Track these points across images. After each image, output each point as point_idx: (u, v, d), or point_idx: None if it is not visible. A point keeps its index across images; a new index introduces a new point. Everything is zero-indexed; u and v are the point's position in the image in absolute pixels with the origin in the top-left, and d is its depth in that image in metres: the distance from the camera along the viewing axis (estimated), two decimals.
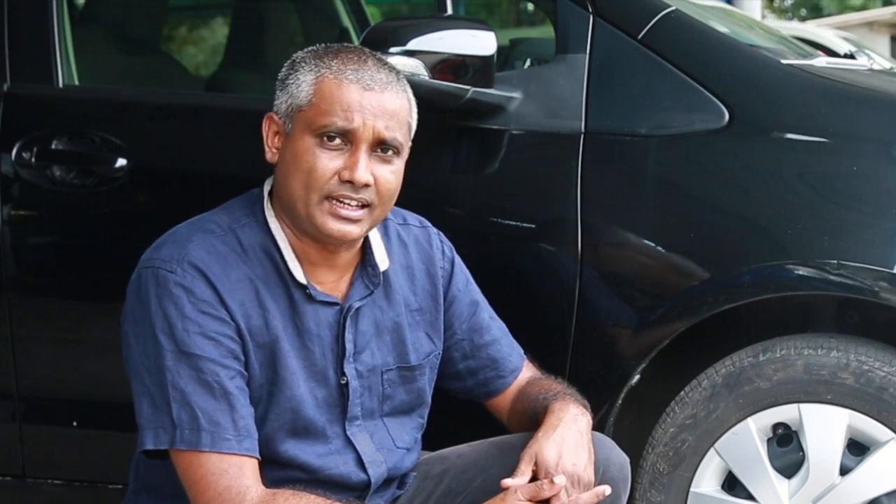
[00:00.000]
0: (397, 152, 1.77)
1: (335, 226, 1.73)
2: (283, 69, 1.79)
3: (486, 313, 2.02)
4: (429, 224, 2.00)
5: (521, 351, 2.04)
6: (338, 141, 1.72)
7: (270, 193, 1.82)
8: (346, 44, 1.81)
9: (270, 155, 1.79)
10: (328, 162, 1.72)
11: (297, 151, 1.73)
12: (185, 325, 1.68)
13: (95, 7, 3.39)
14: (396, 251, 1.91)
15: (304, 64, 1.76)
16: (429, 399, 1.96)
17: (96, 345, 2.48)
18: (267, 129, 1.80)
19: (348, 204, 1.73)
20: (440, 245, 1.98)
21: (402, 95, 1.78)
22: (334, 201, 1.73)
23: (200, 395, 1.68)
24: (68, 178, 2.44)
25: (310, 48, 1.81)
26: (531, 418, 1.92)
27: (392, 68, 1.79)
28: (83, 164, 2.44)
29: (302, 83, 1.74)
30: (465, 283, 2.00)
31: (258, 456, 1.72)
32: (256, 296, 1.75)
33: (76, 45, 2.64)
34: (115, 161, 2.42)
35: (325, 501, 1.69)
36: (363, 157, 1.72)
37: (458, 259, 2.00)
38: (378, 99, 1.73)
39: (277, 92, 1.78)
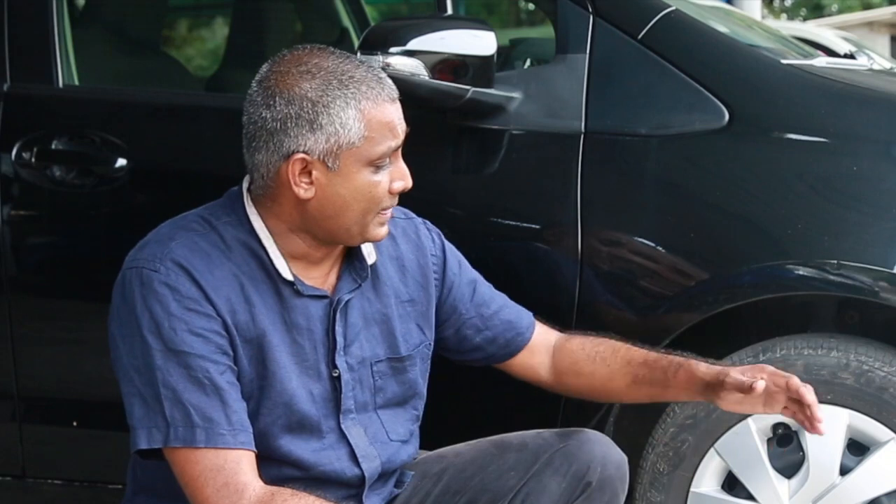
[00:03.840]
0: None
1: (384, 231, 1.80)
2: (286, 105, 1.69)
3: (485, 287, 2.04)
4: (413, 214, 2.00)
5: (528, 312, 2.06)
6: (388, 160, 1.75)
7: (249, 190, 1.80)
8: (321, 49, 1.75)
9: (304, 192, 1.73)
10: (384, 182, 1.75)
11: (356, 187, 1.73)
12: (172, 322, 1.68)
13: (95, 7, 3.39)
14: (385, 243, 1.91)
15: (332, 99, 1.69)
16: (423, 390, 1.96)
17: (96, 345, 2.46)
18: (293, 171, 1.71)
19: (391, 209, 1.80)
20: (428, 233, 1.99)
21: None
22: (382, 213, 1.77)
23: (192, 392, 1.67)
24: (68, 178, 2.44)
25: (297, 74, 1.71)
26: (635, 375, 1.95)
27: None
28: (83, 164, 2.44)
29: (347, 120, 1.69)
30: (459, 266, 2.01)
31: (254, 449, 1.71)
32: (242, 291, 1.75)
33: (76, 45, 2.64)
34: (115, 161, 2.42)
35: (324, 503, 1.70)
36: (402, 162, 1.77)
37: (447, 244, 2.01)
38: (398, 102, 1.76)
39: (300, 130, 1.69)
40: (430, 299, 1.96)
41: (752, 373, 1.83)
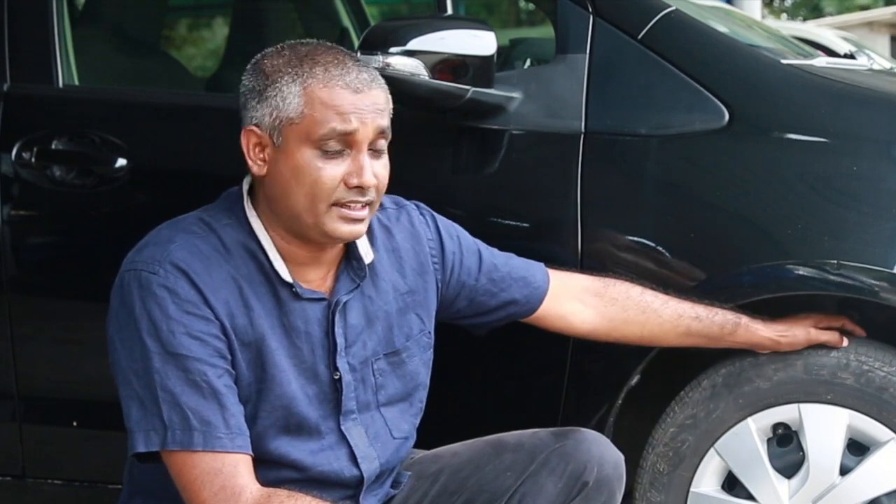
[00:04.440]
0: (385, 143, 1.78)
1: (346, 228, 1.74)
2: (252, 78, 1.75)
3: (489, 251, 2.05)
4: (404, 201, 2.00)
5: (538, 263, 2.09)
6: (338, 148, 1.72)
7: (250, 192, 1.81)
8: (313, 42, 1.78)
9: (257, 168, 1.76)
10: (332, 171, 1.72)
11: (296, 165, 1.72)
12: (171, 325, 1.68)
13: (95, 7, 3.39)
14: (380, 237, 1.91)
15: (282, 74, 1.72)
16: (425, 380, 1.96)
17: (96, 345, 2.44)
18: (247, 143, 1.75)
19: (356, 206, 1.74)
20: (422, 218, 1.99)
21: (384, 88, 1.78)
22: (342, 207, 1.73)
23: (190, 395, 1.67)
24: (68, 178, 2.44)
25: (274, 52, 1.76)
26: (685, 326, 2.08)
27: (367, 64, 1.80)
28: (83, 164, 2.44)
29: (288, 95, 1.71)
30: (459, 242, 2.01)
31: (251, 453, 1.71)
32: (240, 295, 1.75)
33: (76, 45, 2.64)
34: (115, 161, 2.42)
35: (320, 503, 1.70)
36: (366, 160, 1.73)
37: (440, 222, 2.01)
38: (370, 98, 1.73)
39: (253, 103, 1.74)
40: (429, 286, 1.96)
41: (802, 330, 2.10)
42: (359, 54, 2.12)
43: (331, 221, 1.73)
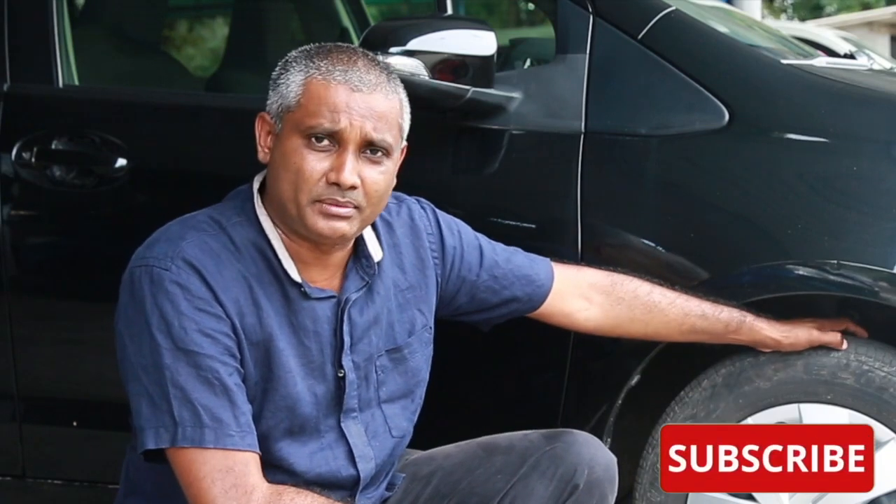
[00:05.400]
0: (387, 154, 1.76)
1: (325, 224, 1.73)
2: (277, 68, 1.79)
3: (492, 247, 2.05)
4: (404, 196, 1.99)
5: (543, 258, 2.09)
6: (325, 142, 1.72)
7: (261, 191, 1.81)
8: (339, 44, 1.81)
9: (262, 154, 1.79)
10: (316, 163, 1.72)
11: (285, 152, 1.73)
12: (182, 322, 1.67)
13: (95, 7, 3.39)
14: (383, 231, 1.91)
15: (294, 64, 1.76)
16: (426, 376, 1.96)
17: (96, 345, 2.48)
18: (259, 129, 1.80)
19: (337, 204, 1.73)
20: (422, 212, 1.99)
21: (392, 97, 1.76)
22: (323, 203, 1.72)
23: (201, 392, 1.66)
24: (68, 178, 2.44)
25: (304, 47, 1.80)
26: (691, 324, 2.08)
27: (384, 69, 1.78)
28: (83, 164, 2.44)
29: (291, 83, 1.74)
30: (458, 235, 2.01)
31: (259, 451, 1.71)
32: (250, 294, 1.74)
33: (76, 45, 2.64)
34: (115, 161, 2.42)
35: (326, 500, 1.70)
36: (350, 158, 1.71)
37: (441, 217, 2.01)
38: (366, 100, 1.72)
39: (270, 91, 1.78)
40: (430, 281, 1.95)
41: (804, 331, 2.10)
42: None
43: (311, 216, 1.73)
